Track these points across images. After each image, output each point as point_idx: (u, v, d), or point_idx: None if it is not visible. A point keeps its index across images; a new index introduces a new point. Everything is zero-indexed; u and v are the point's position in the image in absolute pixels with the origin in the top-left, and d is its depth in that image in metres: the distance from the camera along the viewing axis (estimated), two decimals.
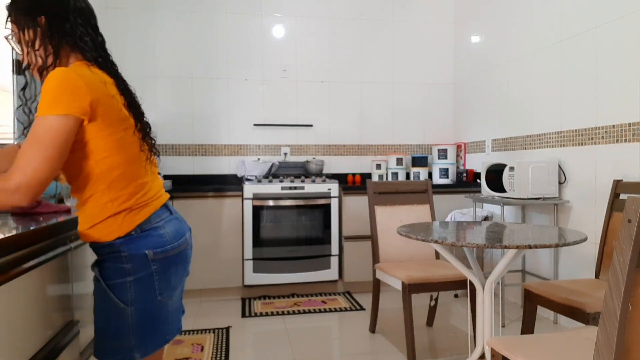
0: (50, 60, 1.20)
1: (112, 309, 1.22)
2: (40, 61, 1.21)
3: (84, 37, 1.26)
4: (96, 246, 1.25)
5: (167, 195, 1.38)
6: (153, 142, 1.35)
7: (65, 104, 1.09)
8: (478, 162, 4.04)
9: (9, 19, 1.23)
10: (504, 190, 3.09)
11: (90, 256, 1.33)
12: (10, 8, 1.22)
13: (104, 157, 1.18)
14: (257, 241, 3.68)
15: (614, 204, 2.41)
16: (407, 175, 4.31)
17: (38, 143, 1.07)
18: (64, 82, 1.10)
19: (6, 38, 1.25)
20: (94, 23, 1.32)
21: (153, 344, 1.28)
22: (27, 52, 1.21)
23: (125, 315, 1.22)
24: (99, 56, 1.29)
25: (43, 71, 1.20)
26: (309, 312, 3.37)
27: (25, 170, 1.05)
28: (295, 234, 3.75)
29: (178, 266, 1.32)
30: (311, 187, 3.76)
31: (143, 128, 1.31)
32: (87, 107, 1.12)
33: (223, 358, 2.55)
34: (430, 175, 4.26)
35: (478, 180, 3.93)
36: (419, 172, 4.20)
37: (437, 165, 4.18)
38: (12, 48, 1.25)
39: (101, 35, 1.35)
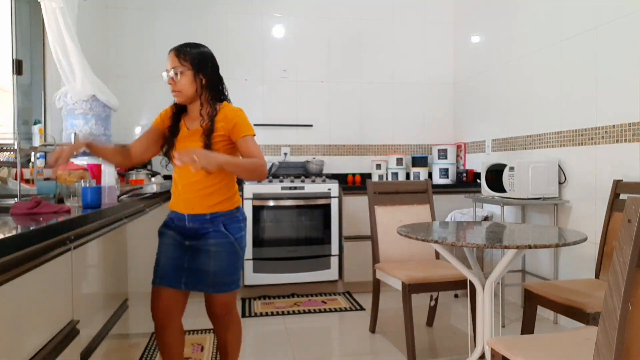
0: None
1: (235, 254, 1.88)
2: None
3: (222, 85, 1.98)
4: (219, 214, 1.86)
5: None
6: None
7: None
8: (478, 162, 4.04)
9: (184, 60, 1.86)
10: (504, 190, 3.09)
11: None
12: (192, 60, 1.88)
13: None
14: (257, 241, 3.68)
15: (614, 204, 2.41)
16: (407, 175, 4.31)
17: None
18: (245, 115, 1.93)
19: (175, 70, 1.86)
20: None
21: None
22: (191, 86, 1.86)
23: (240, 257, 1.91)
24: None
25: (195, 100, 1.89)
26: (309, 312, 3.37)
27: (262, 156, 1.84)
28: (295, 234, 3.75)
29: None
30: (311, 187, 3.76)
31: None
32: None
33: None
34: (430, 175, 4.26)
35: (478, 180, 3.93)
36: (419, 172, 4.20)
37: (437, 165, 4.18)
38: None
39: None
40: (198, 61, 1.84)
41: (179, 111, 1.93)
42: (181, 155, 1.60)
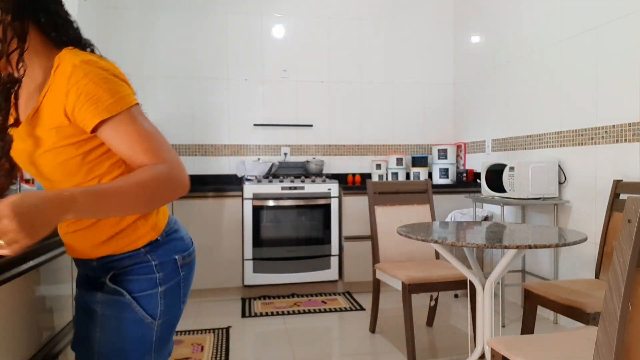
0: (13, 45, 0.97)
1: (135, 327, 1.08)
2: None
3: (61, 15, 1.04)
4: (113, 259, 1.07)
5: None
6: None
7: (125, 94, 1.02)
8: (478, 162, 4.04)
9: None
10: (504, 190, 3.09)
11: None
12: None
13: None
14: (257, 241, 3.68)
15: (614, 204, 2.41)
16: (407, 175, 4.31)
17: None
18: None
19: None
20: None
21: (164, 359, 1.16)
22: None
23: (150, 331, 1.09)
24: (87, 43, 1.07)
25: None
26: (309, 312, 3.36)
27: (162, 150, 1.01)
28: (295, 234, 3.75)
29: (194, 271, 1.21)
30: (311, 187, 3.76)
31: None
32: None
33: (223, 358, 2.55)
34: (430, 175, 4.26)
35: (478, 180, 3.93)
36: (419, 172, 4.20)
37: (437, 165, 4.18)
38: None
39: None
40: None
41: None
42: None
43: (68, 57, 0.95)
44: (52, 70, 0.96)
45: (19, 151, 1.03)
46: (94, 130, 0.95)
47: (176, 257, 1.12)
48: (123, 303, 1.07)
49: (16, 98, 1.04)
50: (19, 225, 0.74)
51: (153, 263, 1.09)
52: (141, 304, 1.07)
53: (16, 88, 1.02)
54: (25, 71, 0.98)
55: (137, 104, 1.00)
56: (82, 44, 1.05)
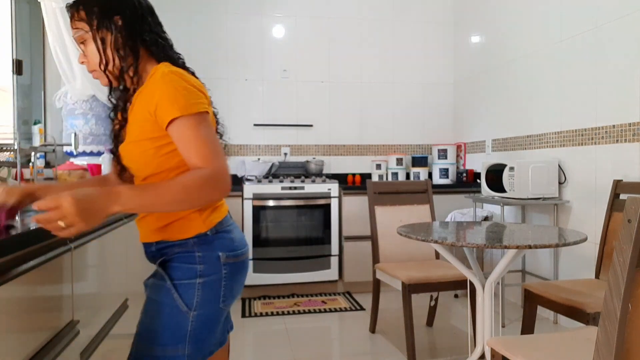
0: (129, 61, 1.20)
1: (171, 313, 1.18)
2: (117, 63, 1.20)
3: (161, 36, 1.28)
4: (167, 245, 1.22)
5: None
6: (225, 142, 1.33)
7: (198, 101, 1.17)
8: (478, 162, 4.04)
9: (76, 18, 1.20)
10: (504, 191, 3.09)
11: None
12: (79, 7, 1.19)
13: None
14: (257, 241, 3.68)
15: (614, 204, 2.41)
16: (407, 175, 4.31)
17: None
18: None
19: (75, 39, 1.22)
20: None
21: (201, 354, 1.23)
22: (102, 54, 1.18)
23: (185, 320, 1.18)
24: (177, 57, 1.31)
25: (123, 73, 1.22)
26: (309, 312, 3.36)
27: (211, 155, 1.12)
28: (295, 234, 3.75)
29: (242, 274, 1.30)
30: (311, 187, 3.76)
31: (220, 129, 1.34)
32: None
33: None
34: (430, 175, 4.26)
35: (478, 180, 3.93)
36: (419, 172, 4.20)
37: (437, 165, 4.18)
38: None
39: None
40: (94, 12, 1.18)
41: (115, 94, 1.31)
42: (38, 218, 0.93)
43: (161, 68, 1.17)
44: (147, 82, 1.17)
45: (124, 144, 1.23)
46: (167, 126, 1.11)
47: (220, 253, 1.22)
48: (164, 288, 1.19)
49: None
50: (77, 210, 0.91)
51: (197, 254, 1.20)
52: (179, 292, 1.18)
53: (132, 95, 1.24)
54: (138, 82, 1.22)
55: (207, 112, 1.15)
56: (176, 59, 1.28)
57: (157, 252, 1.26)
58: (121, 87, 1.28)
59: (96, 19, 1.17)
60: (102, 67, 1.19)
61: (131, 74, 1.21)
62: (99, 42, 1.17)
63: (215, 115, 1.31)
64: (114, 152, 1.30)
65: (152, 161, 1.18)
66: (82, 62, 1.23)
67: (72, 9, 1.20)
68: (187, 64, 1.33)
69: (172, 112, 1.09)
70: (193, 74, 1.28)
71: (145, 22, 1.24)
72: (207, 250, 1.21)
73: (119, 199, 0.97)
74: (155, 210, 1.17)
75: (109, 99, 1.30)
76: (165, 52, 1.27)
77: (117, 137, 1.28)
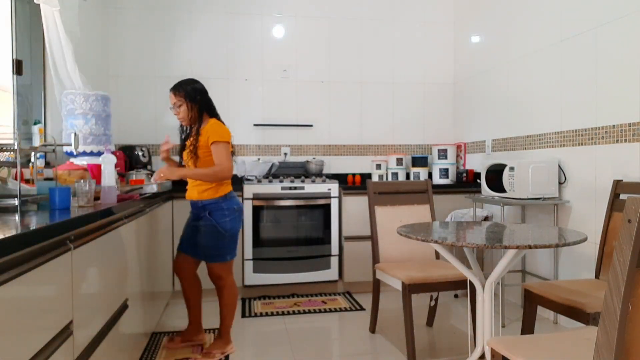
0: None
1: (217, 234, 2.51)
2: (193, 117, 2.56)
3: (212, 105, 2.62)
4: (208, 202, 2.51)
5: None
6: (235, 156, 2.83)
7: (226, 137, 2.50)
8: (478, 162, 4.04)
9: (176, 94, 2.54)
10: (504, 191, 3.09)
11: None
12: (180, 90, 2.54)
13: None
14: (257, 241, 3.68)
15: (614, 204, 2.41)
16: (407, 176, 4.31)
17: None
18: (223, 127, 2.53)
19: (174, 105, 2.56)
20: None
21: (232, 254, 2.60)
22: (190, 112, 2.54)
23: (224, 237, 2.53)
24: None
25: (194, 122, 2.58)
26: (309, 312, 3.37)
27: (224, 160, 2.46)
28: (295, 234, 3.75)
29: (242, 216, 2.67)
30: (311, 187, 3.76)
31: (234, 149, 2.62)
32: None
33: (223, 358, 2.55)
34: (430, 175, 4.26)
35: (478, 181, 3.93)
36: (419, 172, 4.20)
37: (437, 165, 4.18)
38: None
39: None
40: (188, 94, 2.51)
41: (187, 128, 2.67)
42: (155, 174, 2.45)
43: (211, 121, 2.52)
44: (206, 125, 2.51)
45: (187, 152, 2.52)
46: (211, 145, 2.44)
47: (235, 207, 2.57)
48: (212, 224, 2.51)
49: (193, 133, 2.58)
50: (169, 172, 2.47)
51: (224, 207, 2.53)
52: (220, 225, 2.51)
53: (195, 130, 2.55)
54: (199, 126, 2.54)
55: (229, 142, 2.48)
56: (217, 115, 2.59)
57: (202, 207, 2.53)
58: (191, 126, 2.59)
59: (188, 97, 2.51)
60: (188, 119, 2.53)
61: (197, 123, 2.55)
62: (189, 107, 2.52)
63: (232, 146, 2.56)
64: (180, 155, 2.66)
65: (201, 161, 2.50)
66: (176, 114, 2.55)
67: (175, 90, 2.53)
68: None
69: (214, 138, 2.44)
70: (219, 118, 2.60)
71: (205, 98, 2.57)
72: (228, 204, 2.54)
73: (180, 172, 2.46)
74: (195, 179, 2.51)
75: (184, 130, 2.65)
76: (213, 112, 2.59)
77: (182, 148, 2.62)
